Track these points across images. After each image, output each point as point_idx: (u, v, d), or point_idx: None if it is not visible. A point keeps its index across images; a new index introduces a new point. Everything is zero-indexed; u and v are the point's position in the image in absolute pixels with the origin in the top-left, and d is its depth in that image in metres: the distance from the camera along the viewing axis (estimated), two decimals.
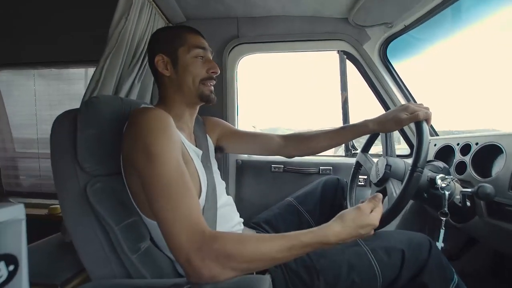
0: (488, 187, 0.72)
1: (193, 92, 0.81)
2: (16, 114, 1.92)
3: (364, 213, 0.62)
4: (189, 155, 0.77)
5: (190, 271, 0.52)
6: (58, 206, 1.57)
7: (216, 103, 0.87)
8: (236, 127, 1.49)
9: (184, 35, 0.82)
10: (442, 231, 0.79)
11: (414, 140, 0.79)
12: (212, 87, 0.85)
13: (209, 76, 0.82)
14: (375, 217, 0.63)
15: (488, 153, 0.86)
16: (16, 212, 0.42)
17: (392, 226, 1.27)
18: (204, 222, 0.57)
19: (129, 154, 0.65)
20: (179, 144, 0.68)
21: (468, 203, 0.82)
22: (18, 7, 1.55)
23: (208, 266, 0.51)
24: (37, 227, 0.89)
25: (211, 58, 0.86)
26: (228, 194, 0.96)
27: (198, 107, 0.88)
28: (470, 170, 0.89)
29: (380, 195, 0.66)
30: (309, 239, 0.58)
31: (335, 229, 0.60)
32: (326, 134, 0.97)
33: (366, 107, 1.58)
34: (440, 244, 0.79)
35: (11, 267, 0.40)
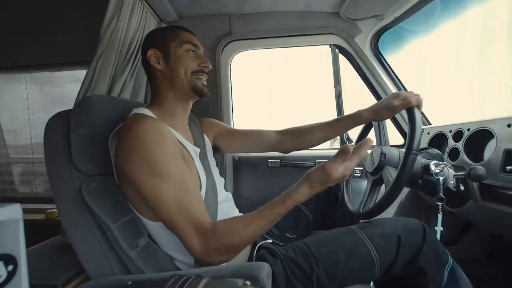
0: (480, 169, 0.73)
1: (186, 84, 0.82)
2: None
3: (331, 174, 0.66)
4: (189, 154, 0.78)
5: (206, 263, 0.66)
6: (55, 210, 1.57)
7: (210, 100, 0.88)
8: (232, 125, 1.49)
9: (176, 31, 0.85)
10: (439, 216, 0.80)
11: (407, 128, 0.80)
12: (205, 81, 0.85)
13: (201, 69, 0.83)
14: (343, 173, 0.67)
15: (479, 138, 0.87)
16: (13, 212, 0.41)
17: (389, 214, 1.29)
18: (208, 219, 0.66)
19: (125, 167, 0.66)
20: (176, 149, 0.70)
21: (462, 187, 0.83)
22: (8, 9, 1.53)
23: (216, 257, 0.65)
24: (34, 232, 0.89)
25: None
26: (226, 190, 0.96)
27: (191, 102, 0.89)
28: (462, 155, 0.91)
29: (349, 146, 0.68)
30: (284, 209, 0.68)
31: (303, 192, 0.69)
32: (321, 126, 0.98)
33: (360, 99, 1.59)
34: (439, 228, 0.80)
35: (10, 267, 0.40)
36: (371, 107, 0.90)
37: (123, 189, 0.74)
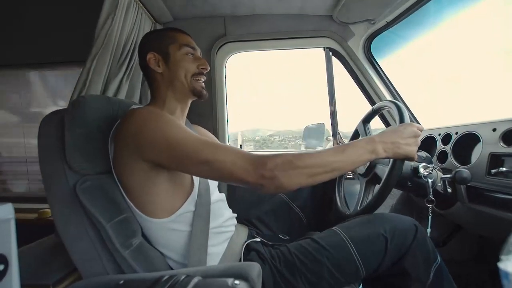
0: (465, 172, 0.75)
1: (186, 86, 0.84)
2: None
3: (405, 126, 0.73)
4: None
5: (266, 183, 0.60)
6: (48, 210, 1.55)
7: (205, 102, 0.91)
8: (226, 126, 1.51)
9: (174, 34, 0.86)
10: (429, 217, 0.82)
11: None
12: (203, 83, 0.88)
13: (200, 72, 0.85)
14: (414, 131, 0.73)
15: (467, 142, 0.90)
16: (4, 211, 0.42)
17: None
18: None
19: (141, 154, 0.68)
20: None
21: (450, 190, 0.85)
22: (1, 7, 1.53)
23: (279, 174, 0.60)
24: (27, 231, 0.88)
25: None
26: (220, 191, 0.97)
27: (189, 103, 0.91)
28: (451, 158, 0.93)
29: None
30: (356, 141, 0.69)
31: (378, 134, 0.72)
32: None
33: (353, 103, 1.61)
34: (429, 230, 0.81)
35: (1, 267, 0.40)
36: None
37: (124, 180, 0.74)
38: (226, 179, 0.65)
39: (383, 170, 0.85)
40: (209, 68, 0.88)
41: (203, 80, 0.87)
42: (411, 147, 0.72)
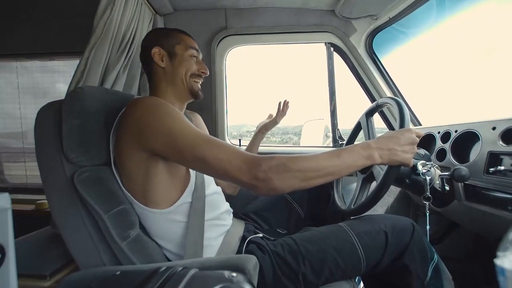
0: (463, 169, 0.75)
1: (185, 85, 0.87)
2: None
3: (403, 132, 0.72)
4: None
5: (260, 184, 0.61)
6: (45, 201, 1.55)
7: (205, 94, 0.93)
8: (226, 119, 1.51)
9: (181, 35, 0.90)
10: (427, 214, 0.82)
11: (396, 126, 0.82)
12: (200, 86, 0.92)
13: (199, 74, 0.90)
14: (412, 138, 0.71)
15: (466, 140, 0.90)
16: (1, 201, 0.41)
17: (379, 212, 1.31)
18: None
19: (141, 141, 0.68)
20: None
21: (447, 188, 0.85)
22: None
23: (273, 177, 0.60)
24: (24, 223, 0.88)
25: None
26: (217, 185, 0.97)
27: (186, 103, 0.92)
28: (449, 156, 0.93)
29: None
30: (352, 146, 0.69)
31: (374, 140, 0.71)
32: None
33: (353, 98, 1.61)
34: (428, 227, 0.82)
35: None
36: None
37: (124, 169, 0.74)
38: (220, 176, 0.65)
39: (378, 172, 0.85)
40: (208, 73, 0.92)
41: (200, 82, 0.91)
42: (408, 155, 0.71)
